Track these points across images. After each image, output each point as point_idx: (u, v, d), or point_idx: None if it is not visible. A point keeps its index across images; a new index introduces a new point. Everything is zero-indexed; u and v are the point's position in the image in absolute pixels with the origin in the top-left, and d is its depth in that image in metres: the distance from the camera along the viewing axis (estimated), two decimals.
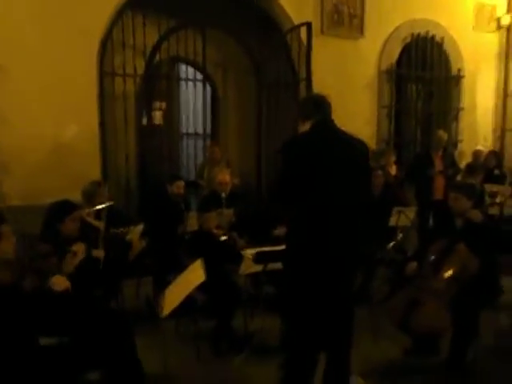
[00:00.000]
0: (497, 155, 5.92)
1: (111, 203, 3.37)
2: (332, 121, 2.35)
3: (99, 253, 2.66)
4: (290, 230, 2.32)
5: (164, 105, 6.51)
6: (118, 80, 4.93)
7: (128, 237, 3.21)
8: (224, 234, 3.47)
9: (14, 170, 4.27)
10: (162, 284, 3.57)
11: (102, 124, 4.75)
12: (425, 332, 2.79)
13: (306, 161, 2.16)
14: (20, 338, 1.84)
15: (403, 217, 3.80)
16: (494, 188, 3.27)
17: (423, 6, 5.89)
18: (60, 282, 2.07)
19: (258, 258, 2.55)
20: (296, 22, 5.30)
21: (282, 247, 2.71)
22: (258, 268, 2.74)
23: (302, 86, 5.27)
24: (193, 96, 5.49)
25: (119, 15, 4.77)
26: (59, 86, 4.36)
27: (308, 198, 2.19)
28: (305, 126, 2.31)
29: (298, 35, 5.30)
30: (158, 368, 2.74)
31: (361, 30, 5.58)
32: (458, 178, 5.44)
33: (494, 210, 3.26)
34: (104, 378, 2.15)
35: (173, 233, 3.83)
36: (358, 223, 2.34)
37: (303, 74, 5.27)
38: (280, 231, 3.59)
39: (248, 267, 2.74)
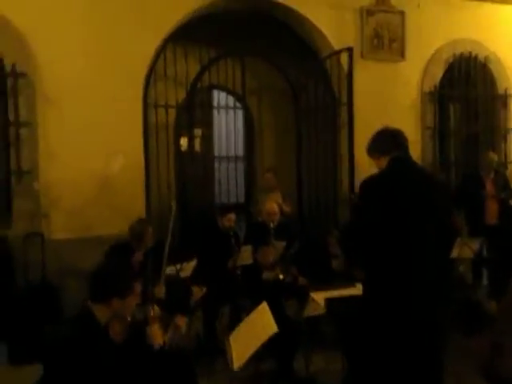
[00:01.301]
0: None
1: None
2: (411, 158, 2.22)
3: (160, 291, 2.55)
4: (369, 282, 2.16)
5: (201, 132, 6.53)
6: (160, 111, 4.96)
7: (184, 274, 3.12)
8: (282, 270, 3.33)
9: (63, 205, 4.31)
10: (213, 319, 3.49)
11: (146, 154, 4.77)
12: None
13: (386, 205, 2.04)
14: None
15: (466, 248, 3.59)
16: None
17: (465, 26, 5.74)
18: (157, 337, 2.00)
19: (330, 306, 2.40)
20: (335, 46, 5.24)
21: (351, 291, 2.57)
22: (323, 310, 2.60)
23: (344, 110, 5.17)
24: (229, 122, 5.48)
25: (162, 48, 4.83)
26: (107, 120, 4.42)
27: (387, 245, 2.05)
28: (381, 162, 2.19)
29: (337, 60, 5.24)
30: None
31: (401, 53, 5.47)
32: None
33: None
34: None
35: (223, 267, 3.72)
36: (444, 269, 2.19)
37: (343, 99, 5.19)
38: (336, 263, 3.45)
39: (314, 310, 2.60)
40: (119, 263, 2.12)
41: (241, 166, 6.82)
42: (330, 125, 5.35)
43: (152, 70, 4.79)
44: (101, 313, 1.91)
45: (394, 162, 2.13)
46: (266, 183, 5.19)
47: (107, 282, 1.94)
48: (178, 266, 3.12)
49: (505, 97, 6.03)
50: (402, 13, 5.46)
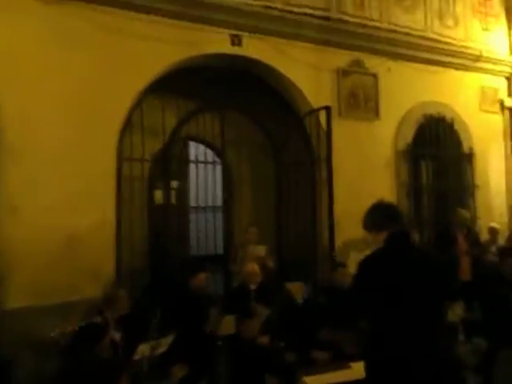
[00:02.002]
0: None
1: None
2: (408, 234, 2.21)
3: None
4: (371, 354, 2.07)
5: (176, 184, 6.38)
6: (135, 164, 4.79)
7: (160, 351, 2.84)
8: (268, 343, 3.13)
9: (20, 267, 3.86)
10: None
11: (119, 210, 4.51)
12: None
13: (384, 280, 2.02)
14: None
15: (451, 313, 3.54)
16: None
17: (432, 89, 6.10)
18: None
19: None
20: (313, 104, 5.37)
21: (347, 375, 2.42)
22: None
23: (323, 166, 5.22)
24: (207, 175, 5.37)
25: (139, 100, 4.74)
26: (75, 173, 4.17)
27: (387, 318, 2.01)
28: (378, 237, 2.16)
29: (316, 118, 5.35)
30: None
31: (376, 113, 5.68)
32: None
33: None
34: None
35: (198, 334, 3.45)
36: (442, 342, 2.12)
37: (322, 155, 5.25)
38: (323, 333, 3.28)
39: None
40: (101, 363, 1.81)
41: (219, 216, 6.66)
42: (309, 180, 5.37)
43: (128, 123, 4.66)
44: None
45: (392, 238, 2.11)
46: (250, 237, 5.04)
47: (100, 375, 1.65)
48: (154, 343, 2.83)
49: (470, 155, 6.33)
50: (374, 75, 5.72)
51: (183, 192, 6.57)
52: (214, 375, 3.18)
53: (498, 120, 6.66)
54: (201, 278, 3.79)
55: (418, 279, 2.04)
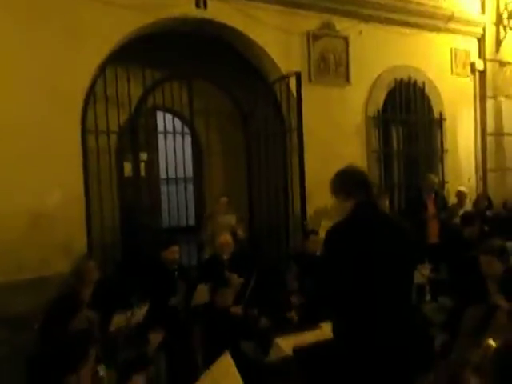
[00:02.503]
0: (487, 197, 5.98)
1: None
2: (375, 203, 2.20)
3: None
4: (339, 328, 2.09)
5: (145, 156, 6.23)
6: (101, 136, 4.62)
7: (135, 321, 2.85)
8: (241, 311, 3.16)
9: None
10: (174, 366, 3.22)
11: (86, 183, 4.40)
12: None
13: (353, 251, 1.99)
14: None
15: (418, 274, 3.64)
16: None
17: (403, 52, 6.02)
18: None
19: (299, 356, 2.26)
20: (283, 70, 5.25)
21: (318, 335, 2.46)
22: (288, 353, 2.45)
23: (293, 135, 5.16)
24: (176, 146, 5.23)
25: (102, 70, 4.53)
26: (40, 149, 4.03)
27: (355, 290, 2.00)
28: (346, 204, 2.12)
29: (286, 84, 5.24)
30: None
31: (347, 78, 5.59)
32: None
33: None
34: None
35: (164, 306, 3.46)
36: (410, 309, 2.18)
37: (293, 123, 5.17)
38: (295, 299, 3.33)
39: (277, 354, 2.45)
40: (71, 336, 1.78)
41: (190, 187, 6.57)
42: (279, 149, 5.31)
43: (91, 93, 4.46)
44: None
45: (360, 208, 2.08)
46: (220, 207, 5.02)
47: (56, 361, 1.62)
48: (129, 313, 2.83)
49: (440, 120, 6.37)
50: (345, 38, 5.60)
51: (153, 164, 6.45)
52: (190, 344, 3.21)
53: (468, 83, 6.67)
54: (173, 251, 3.76)
55: (386, 248, 2.03)
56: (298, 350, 2.29)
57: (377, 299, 1.99)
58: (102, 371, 1.82)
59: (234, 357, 2.10)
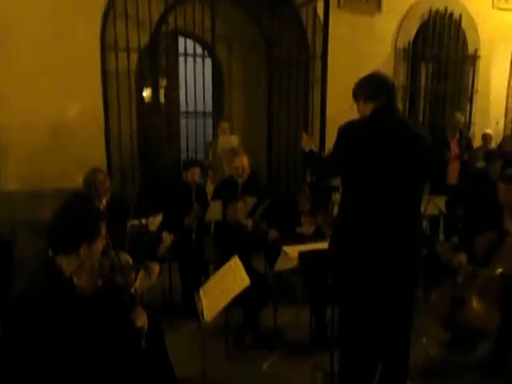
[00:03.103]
0: None
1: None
2: (396, 108, 2.11)
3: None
4: (341, 221, 2.11)
5: (165, 82, 6.13)
6: (121, 55, 4.56)
7: (151, 228, 2.95)
8: (253, 226, 3.24)
9: (14, 153, 3.96)
10: (186, 275, 3.38)
11: (106, 102, 4.42)
12: (472, 332, 2.63)
13: (361, 150, 1.95)
14: (80, 355, 1.60)
15: (432, 205, 3.62)
16: None
17: None
18: (142, 318, 1.83)
19: (303, 258, 2.33)
20: None
21: (323, 245, 2.51)
22: (294, 264, 2.53)
23: (318, 64, 4.97)
24: (197, 72, 5.14)
25: None
26: (60, 63, 4.03)
27: (360, 189, 2.00)
28: (365, 108, 2.05)
29: (313, 9, 4.98)
30: (187, 367, 2.58)
31: (378, 5, 5.28)
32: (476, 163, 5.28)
33: None
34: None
35: (181, 223, 3.57)
36: (417, 218, 2.16)
37: (317, 51, 4.98)
38: (304, 228, 3.39)
39: (285, 264, 2.53)
40: (81, 206, 1.86)
41: (209, 122, 6.53)
42: (302, 78, 5.16)
43: (110, 9, 4.35)
44: (67, 264, 1.70)
45: (378, 112, 2.01)
46: (222, 132, 5.04)
47: (72, 227, 1.71)
48: (144, 221, 2.93)
49: (474, 58, 6.03)
50: None
51: (173, 91, 6.36)
52: (202, 257, 3.34)
53: (511, 19, 6.22)
54: (194, 172, 3.81)
55: (398, 154, 1.98)
56: (304, 253, 2.35)
57: (382, 203, 1.97)
58: (113, 252, 1.91)
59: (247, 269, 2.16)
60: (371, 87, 2.06)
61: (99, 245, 1.77)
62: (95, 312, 1.67)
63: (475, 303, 2.58)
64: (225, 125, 5.17)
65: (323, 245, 2.31)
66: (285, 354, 2.93)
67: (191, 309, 3.10)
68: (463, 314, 2.58)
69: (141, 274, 1.91)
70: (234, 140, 5.06)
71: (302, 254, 2.33)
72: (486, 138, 5.90)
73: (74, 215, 1.76)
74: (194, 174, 3.77)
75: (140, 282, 1.90)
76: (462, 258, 2.73)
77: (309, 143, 2.32)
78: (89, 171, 3.28)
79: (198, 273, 3.21)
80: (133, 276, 1.89)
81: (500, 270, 2.59)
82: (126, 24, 4.49)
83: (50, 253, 1.74)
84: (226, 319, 2.92)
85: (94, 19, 4.24)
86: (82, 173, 3.67)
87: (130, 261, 1.99)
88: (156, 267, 1.94)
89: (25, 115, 3.94)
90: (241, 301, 2.96)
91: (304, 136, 2.40)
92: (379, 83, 2.07)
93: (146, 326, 1.84)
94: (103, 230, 1.79)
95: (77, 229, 1.71)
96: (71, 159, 4.07)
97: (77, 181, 3.99)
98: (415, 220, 2.13)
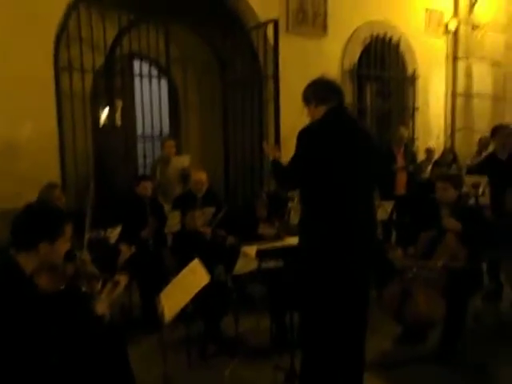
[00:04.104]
0: (453, 152, 6.25)
1: None
2: (346, 108, 2.27)
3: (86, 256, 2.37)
4: (304, 221, 2.20)
5: (121, 103, 6.17)
6: (75, 75, 4.59)
7: (110, 241, 2.96)
8: (211, 233, 3.31)
9: None
10: (147, 288, 3.37)
11: (60, 122, 4.40)
12: (420, 322, 2.81)
13: (321, 151, 2.07)
14: (34, 352, 1.58)
15: (381, 210, 3.85)
16: (476, 178, 3.39)
17: (380, 7, 6.09)
18: (103, 305, 1.82)
19: (260, 255, 2.42)
20: (261, 19, 5.26)
21: (282, 243, 2.63)
22: (253, 267, 2.62)
23: (270, 83, 5.22)
24: (152, 95, 5.23)
25: (75, 6, 4.45)
26: (11, 82, 3.99)
27: (321, 188, 2.10)
28: (317, 111, 2.18)
29: (263, 32, 5.26)
30: (149, 377, 2.58)
31: (324, 29, 5.65)
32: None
33: (471, 200, 3.39)
34: None
35: (137, 235, 3.59)
36: (372, 214, 2.30)
37: (269, 72, 5.23)
38: (263, 230, 3.50)
39: (244, 266, 2.61)
40: (45, 205, 1.85)
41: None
42: (256, 98, 5.38)
43: (64, 31, 4.40)
44: (26, 262, 1.68)
45: (331, 113, 2.13)
46: (169, 150, 5.00)
47: (34, 223, 1.70)
48: (102, 233, 2.94)
49: (413, 78, 6.53)
50: None
51: (129, 113, 6.40)
52: (162, 268, 3.35)
53: (441, 44, 6.83)
54: (145, 186, 3.85)
55: (353, 151, 2.09)
56: (262, 251, 2.43)
57: (339, 199, 2.09)
58: (83, 255, 1.92)
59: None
60: (323, 90, 2.18)
61: (62, 246, 1.76)
62: (55, 309, 1.67)
63: (421, 295, 2.77)
64: (171, 143, 5.12)
65: (282, 243, 2.41)
66: (247, 359, 2.97)
67: (152, 323, 3.12)
68: (411, 306, 2.76)
69: (108, 284, 1.92)
70: (185, 160, 5.06)
71: (259, 251, 2.42)
72: (429, 151, 6.35)
73: (37, 211, 1.77)
74: (145, 188, 3.82)
75: (107, 292, 1.91)
76: (399, 252, 2.93)
77: (273, 152, 2.35)
78: (44, 187, 3.26)
79: (157, 284, 3.21)
80: (99, 286, 1.90)
81: (441, 263, 2.80)
82: (80, 45, 4.54)
83: (12, 250, 1.72)
84: (188, 331, 2.94)
85: (47, 39, 4.25)
86: (36, 193, 3.61)
87: (97, 271, 2.01)
88: (123, 278, 1.96)
89: None
90: (202, 311, 3.02)
91: (266, 146, 2.44)
92: (330, 86, 2.21)
93: (108, 315, 1.85)
94: (68, 233, 1.78)
95: (37, 224, 1.71)
96: (24, 179, 3.98)
97: (30, 201, 3.93)
98: (371, 215, 2.27)
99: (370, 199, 2.25)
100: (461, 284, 2.76)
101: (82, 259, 1.97)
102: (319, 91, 2.19)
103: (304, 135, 2.10)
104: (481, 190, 3.35)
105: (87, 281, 1.86)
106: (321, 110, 2.16)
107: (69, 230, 1.79)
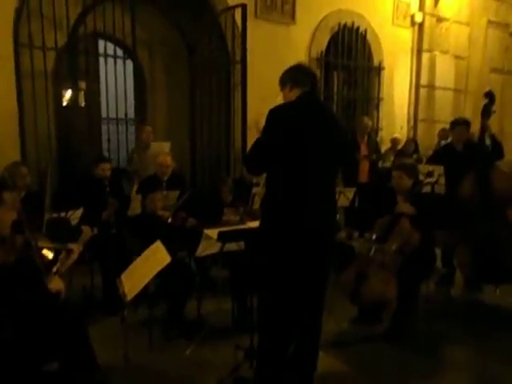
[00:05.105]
0: (415, 142, 6.47)
1: None
2: (319, 96, 2.33)
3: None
4: (266, 202, 2.25)
5: (84, 84, 6.00)
6: (36, 53, 4.43)
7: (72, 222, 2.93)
8: (171, 216, 3.32)
9: None
10: (108, 269, 3.35)
11: (20, 101, 4.26)
12: (374, 302, 2.95)
13: (290, 131, 2.11)
14: None
15: (343, 197, 3.97)
16: (430, 168, 3.55)
17: None
18: (57, 283, 1.81)
19: (222, 237, 2.46)
20: (230, 3, 5.22)
21: (244, 227, 2.68)
22: (215, 249, 2.66)
23: (237, 68, 5.21)
24: (118, 75, 5.11)
25: None
26: None
27: (285, 170, 2.15)
28: (291, 94, 2.23)
29: (232, 17, 5.23)
30: (110, 358, 2.60)
31: (292, 17, 5.68)
32: (381, 163, 5.82)
33: (427, 188, 3.54)
34: (61, 369, 1.93)
35: (98, 217, 3.58)
36: (333, 199, 2.38)
37: (237, 57, 5.22)
38: (228, 216, 3.54)
39: (206, 248, 2.65)
40: None
41: (131, 128, 6.47)
42: (223, 83, 5.36)
43: (23, 6, 4.23)
44: None
45: (304, 96, 2.21)
46: (146, 136, 4.99)
47: None
48: (64, 214, 2.90)
49: (379, 68, 6.67)
50: None
51: (94, 95, 6.25)
52: (124, 250, 3.34)
53: (407, 35, 6.99)
54: (103, 168, 3.82)
55: (321, 135, 2.16)
56: (223, 232, 2.48)
57: (300, 182, 2.14)
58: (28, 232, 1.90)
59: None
60: (299, 74, 2.26)
61: (4, 215, 1.75)
62: (6, 281, 1.66)
63: (375, 276, 2.91)
64: (149, 129, 5.10)
65: (243, 227, 2.45)
66: (208, 340, 3.03)
67: (114, 304, 3.13)
68: (366, 287, 2.89)
69: (62, 254, 1.92)
70: (166, 147, 5.00)
71: (221, 234, 2.46)
72: (394, 141, 6.55)
73: None
74: (103, 170, 3.78)
75: (62, 262, 1.90)
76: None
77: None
78: (10, 164, 3.19)
79: (119, 266, 3.22)
80: (50, 255, 1.89)
81: (395, 246, 2.94)
82: (42, 22, 4.38)
83: None
84: (150, 313, 2.97)
85: (5, 15, 4.09)
86: None
87: (48, 242, 1.99)
88: (77, 246, 1.96)
89: None
90: (165, 292, 3.05)
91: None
92: (305, 71, 2.30)
93: (64, 292, 1.85)
94: (8, 201, 1.77)
95: None
96: None
97: None
98: (333, 200, 2.36)
99: (331, 185, 2.32)
100: (412, 266, 2.91)
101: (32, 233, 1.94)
102: (295, 74, 2.27)
103: (273, 114, 2.14)
104: (434, 178, 3.50)
105: (39, 251, 1.85)
106: (295, 93, 2.22)
107: (8, 197, 1.78)
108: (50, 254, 1.89)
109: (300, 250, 2.17)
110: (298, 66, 2.34)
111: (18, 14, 4.21)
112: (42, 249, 1.87)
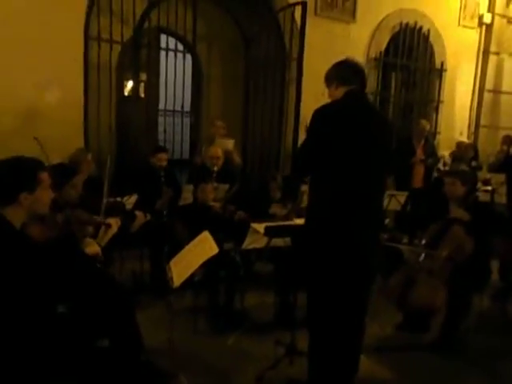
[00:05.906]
0: (475, 148, 6.15)
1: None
2: (365, 93, 2.25)
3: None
4: (312, 204, 2.20)
5: (145, 76, 6.24)
6: (104, 46, 4.68)
7: (127, 207, 3.08)
8: (221, 208, 3.40)
9: None
10: (158, 256, 3.49)
11: (86, 91, 4.52)
12: (420, 309, 2.86)
13: (334, 133, 2.05)
14: (41, 302, 1.69)
15: (394, 201, 3.87)
16: (488, 175, 3.38)
17: None
18: (93, 246, 1.93)
19: (269, 232, 2.49)
20: (290, 0, 5.22)
21: (291, 223, 2.69)
22: (262, 244, 2.69)
23: (293, 65, 5.21)
24: (177, 69, 5.28)
25: None
26: (42, 50, 4.10)
27: (332, 173, 2.07)
28: (337, 92, 2.16)
29: (291, 14, 5.23)
30: (155, 340, 2.69)
31: (353, 15, 5.58)
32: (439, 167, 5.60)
33: (485, 197, 3.37)
34: (110, 346, 2.04)
35: (152, 205, 3.71)
36: (381, 204, 2.31)
37: (294, 54, 5.22)
38: (275, 209, 3.57)
39: (252, 241, 2.69)
40: (17, 157, 1.79)
41: (187, 120, 6.65)
42: (278, 79, 5.38)
43: (94, 4, 4.48)
44: (13, 215, 1.72)
45: (350, 95, 2.12)
46: (217, 131, 4.93)
47: (8, 176, 1.72)
48: (119, 199, 3.06)
49: (440, 70, 6.41)
50: None
51: (153, 87, 6.48)
52: (174, 239, 3.46)
53: (474, 36, 6.65)
54: (160, 158, 3.95)
55: (368, 136, 2.07)
56: (270, 227, 2.49)
57: (347, 183, 2.06)
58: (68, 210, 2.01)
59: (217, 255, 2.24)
60: (346, 71, 2.17)
61: (43, 194, 1.79)
62: (50, 257, 1.74)
63: (424, 283, 2.81)
64: (221, 124, 4.95)
65: (290, 223, 2.46)
66: (250, 332, 3.08)
67: (161, 289, 3.25)
68: (413, 293, 2.80)
69: (101, 229, 2.01)
70: (230, 144, 4.85)
71: (268, 228, 2.48)
72: (460, 145, 6.14)
73: (9, 165, 1.78)
74: (160, 159, 3.91)
75: (100, 236, 2.00)
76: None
77: None
78: (78, 150, 3.40)
79: (168, 253, 3.34)
80: (91, 229, 1.99)
81: (446, 253, 2.83)
82: (111, 17, 4.62)
83: None
84: (195, 300, 3.06)
85: (78, 11, 4.35)
86: (59, 157, 3.75)
87: (88, 216, 2.10)
88: (115, 222, 2.04)
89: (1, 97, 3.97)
90: (209, 282, 3.12)
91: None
92: (353, 68, 2.20)
93: (100, 253, 1.94)
94: (45, 180, 1.81)
95: (12, 177, 1.73)
96: (48, 144, 4.12)
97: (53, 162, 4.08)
98: (380, 204, 2.28)
99: (379, 187, 2.22)
100: (464, 276, 2.79)
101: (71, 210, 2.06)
102: (342, 71, 2.18)
103: (318, 115, 2.07)
104: (493, 186, 3.33)
105: (79, 226, 1.94)
106: (341, 91, 2.14)
107: (46, 177, 1.81)
108: (90, 229, 2.00)
109: (345, 253, 2.12)
110: (344, 62, 2.23)
111: (90, 9, 4.46)
112: (83, 222, 1.98)
